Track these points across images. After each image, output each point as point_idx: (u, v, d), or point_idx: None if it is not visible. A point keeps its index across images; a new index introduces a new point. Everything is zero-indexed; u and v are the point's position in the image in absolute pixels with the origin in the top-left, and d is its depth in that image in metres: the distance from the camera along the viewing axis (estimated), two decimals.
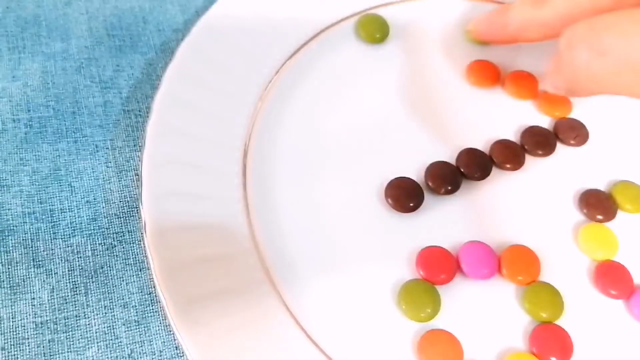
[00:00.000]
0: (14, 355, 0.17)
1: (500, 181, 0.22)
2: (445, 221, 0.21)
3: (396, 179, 0.21)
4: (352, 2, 0.24)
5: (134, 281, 0.19)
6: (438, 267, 0.20)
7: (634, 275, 0.21)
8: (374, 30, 0.24)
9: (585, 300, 0.20)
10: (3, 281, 0.18)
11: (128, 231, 0.20)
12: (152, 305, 0.19)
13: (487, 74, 0.24)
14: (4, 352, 0.17)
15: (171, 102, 0.20)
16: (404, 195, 0.21)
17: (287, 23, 0.23)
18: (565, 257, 0.21)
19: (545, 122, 0.24)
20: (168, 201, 0.18)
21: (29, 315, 0.18)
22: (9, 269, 0.19)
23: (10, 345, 0.18)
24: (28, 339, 0.18)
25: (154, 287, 0.18)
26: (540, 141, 0.23)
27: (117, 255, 0.19)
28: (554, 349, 0.19)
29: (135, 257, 0.19)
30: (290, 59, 0.22)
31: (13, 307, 0.18)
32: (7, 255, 0.19)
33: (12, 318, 0.18)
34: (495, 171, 0.22)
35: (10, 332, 0.18)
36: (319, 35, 0.23)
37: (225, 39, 0.22)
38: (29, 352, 0.18)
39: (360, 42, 0.24)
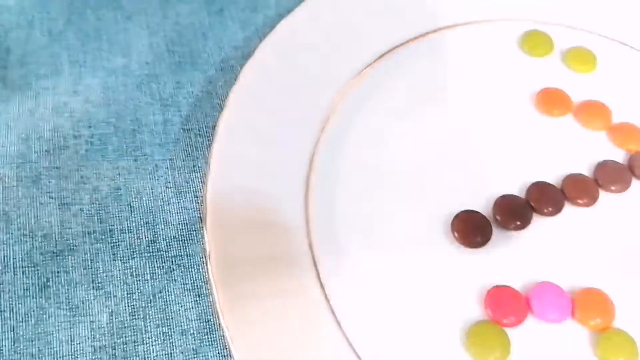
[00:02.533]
0: None
1: (572, 217, 0.21)
2: (514, 258, 0.20)
3: (463, 212, 0.20)
4: (419, 22, 0.24)
5: (193, 307, 0.19)
6: (508, 308, 0.19)
7: None
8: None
9: None
10: (62, 302, 0.18)
11: (187, 255, 0.19)
12: (210, 334, 0.18)
13: (558, 102, 0.23)
14: None
15: (235, 126, 0.19)
16: (472, 230, 0.20)
17: (353, 42, 0.22)
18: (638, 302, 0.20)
19: (618, 154, 0.22)
20: (233, 230, 0.18)
21: (88, 339, 0.18)
22: (68, 289, 0.18)
23: None
24: None
25: (215, 315, 0.17)
26: (614, 176, 0.22)
27: (175, 280, 0.19)
28: None
29: (194, 283, 0.19)
30: (355, 79, 0.22)
31: (72, 330, 0.18)
32: (67, 276, 0.18)
33: (71, 341, 0.18)
34: (567, 206, 0.21)
35: (68, 355, 0.17)
36: (385, 55, 0.22)
37: (289, 59, 0.21)
38: None
39: (428, 65, 0.23)
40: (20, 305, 0.18)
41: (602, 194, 0.21)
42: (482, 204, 0.21)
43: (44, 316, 0.18)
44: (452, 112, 0.22)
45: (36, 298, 0.18)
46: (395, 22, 0.23)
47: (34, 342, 0.17)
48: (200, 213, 0.20)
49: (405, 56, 0.23)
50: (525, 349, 0.18)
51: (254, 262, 0.17)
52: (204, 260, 0.18)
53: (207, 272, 0.17)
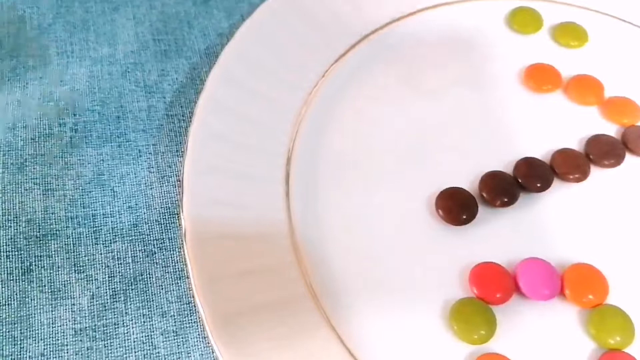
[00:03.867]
0: None
1: (562, 193, 0.20)
2: (500, 236, 0.19)
3: (448, 189, 0.20)
4: (401, 3, 0.23)
5: (173, 290, 0.19)
6: (494, 285, 0.18)
7: None
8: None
9: None
10: (45, 286, 0.18)
11: (168, 238, 0.19)
12: (190, 316, 0.18)
13: (547, 78, 0.22)
14: (43, 358, 0.17)
15: (214, 107, 0.19)
16: (457, 207, 0.19)
17: (334, 25, 0.22)
18: (636, 278, 0.19)
19: (611, 130, 0.22)
20: (209, 209, 0.18)
21: (69, 321, 0.18)
22: (50, 273, 0.18)
23: (50, 351, 0.17)
24: (67, 345, 0.17)
25: (193, 297, 0.17)
26: (607, 150, 0.21)
27: (156, 263, 0.19)
28: None
29: (175, 265, 0.19)
30: (336, 63, 0.21)
31: (53, 313, 0.18)
32: (49, 260, 0.19)
33: (52, 324, 0.18)
34: (556, 182, 0.20)
35: (50, 337, 0.17)
36: (370, 36, 0.22)
37: (269, 43, 0.21)
38: (68, 359, 0.17)
39: (413, 44, 0.23)
40: (3, 289, 0.18)
41: (594, 169, 0.21)
42: (469, 181, 0.20)
43: (27, 299, 0.18)
44: (441, 90, 0.22)
45: (19, 282, 0.18)
46: (380, 2, 0.23)
47: (16, 325, 0.18)
48: None
49: (395, 36, 0.23)
50: (512, 327, 0.18)
51: (230, 241, 0.17)
52: (181, 239, 0.18)
53: (183, 251, 0.17)
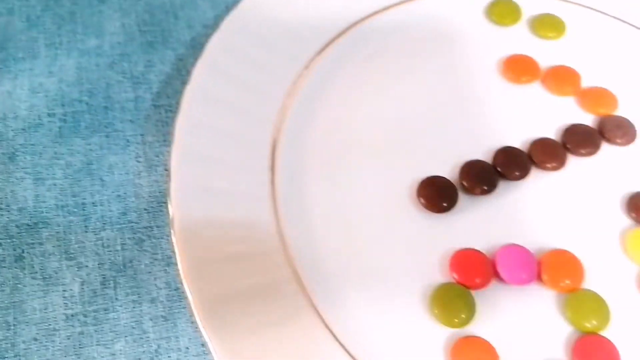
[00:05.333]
0: (45, 346, 0.18)
1: (539, 182, 0.21)
2: (480, 223, 0.20)
3: (429, 177, 0.20)
4: None
5: (162, 276, 0.19)
6: (473, 270, 0.19)
7: None
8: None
9: (634, 310, 0.19)
10: (36, 272, 0.19)
11: (157, 226, 0.20)
12: (179, 302, 0.19)
13: (525, 69, 0.23)
14: (36, 342, 0.18)
15: (200, 97, 0.19)
16: (437, 195, 0.20)
17: (320, 14, 0.22)
18: (611, 263, 0.19)
19: (588, 119, 0.22)
20: (196, 196, 0.18)
21: (60, 307, 0.18)
22: (42, 260, 0.19)
23: (42, 336, 0.18)
24: (59, 330, 0.18)
25: (181, 283, 0.18)
26: (583, 139, 0.21)
27: (145, 250, 0.19)
28: None
29: (164, 252, 0.19)
30: (321, 53, 0.22)
31: (45, 299, 0.18)
32: (40, 247, 0.19)
33: (44, 309, 0.18)
34: (534, 171, 0.21)
35: (42, 322, 0.18)
36: (352, 28, 0.23)
37: (254, 33, 0.21)
38: (60, 343, 0.18)
39: (395, 36, 0.24)
40: None
41: (571, 158, 0.21)
42: (449, 170, 0.21)
43: (19, 285, 0.18)
44: (420, 81, 0.23)
45: (12, 268, 0.19)
46: None
47: (9, 311, 0.18)
48: None
49: (378, 27, 0.23)
50: (491, 311, 0.18)
51: (217, 227, 0.18)
52: (169, 226, 0.18)
53: (171, 238, 0.18)
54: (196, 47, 0.23)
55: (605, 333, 0.18)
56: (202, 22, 0.24)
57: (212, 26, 0.24)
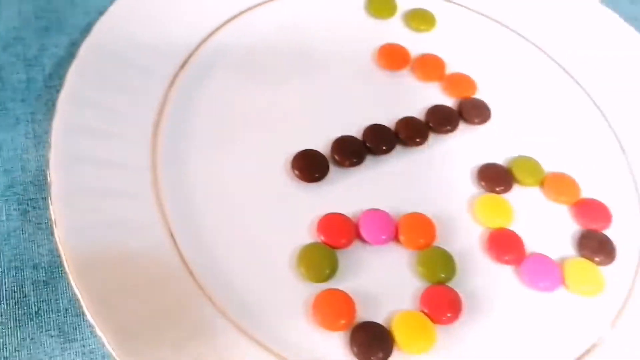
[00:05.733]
0: None
1: (404, 156, 0.23)
2: (348, 191, 0.22)
3: (303, 151, 0.22)
4: None
5: (45, 244, 0.20)
6: (338, 232, 0.21)
7: (526, 243, 0.22)
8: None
9: (478, 264, 0.21)
10: None
11: (42, 198, 0.21)
12: (60, 267, 0.20)
13: (397, 57, 0.26)
14: None
15: (84, 74, 0.21)
16: (310, 167, 0.22)
17: (198, 11, 0.24)
18: (460, 225, 0.22)
19: (450, 102, 0.25)
20: (75, 166, 0.19)
21: None
22: None
23: None
24: None
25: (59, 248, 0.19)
26: (444, 119, 0.24)
27: (30, 220, 0.20)
28: (443, 309, 0.20)
29: (47, 222, 0.20)
30: (204, 43, 0.24)
31: None
32: None
33: None
34: (399, 147, 0.24)
35: None
36: (238, 16, 0.25)
37: (141, 19, 0.23)
38: None
39: (279, 25, 0.26)
40: None
41: (433, 136, 0.24)
42: (322, 145, 0.23)
43: None
44: (301, 67, 0.25)
45: None
46: None
47: None
48: None
49: (258, 16, 0.25)
50: (353, 268, 0.21)
51: (96, 195, 0.19)
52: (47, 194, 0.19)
53: (49, 204, 0.19)
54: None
55: (451, 284, 0.21)
56: (98, 9, 0.25)
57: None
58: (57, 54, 0.24)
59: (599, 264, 0.22)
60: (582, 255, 0.22)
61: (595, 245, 0.22)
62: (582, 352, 0.20)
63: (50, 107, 0.22)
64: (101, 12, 0.25)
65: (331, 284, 0.20)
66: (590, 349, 0.20)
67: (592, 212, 0.23)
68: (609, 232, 0.23)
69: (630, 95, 0.26)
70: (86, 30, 0.24)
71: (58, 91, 0.23)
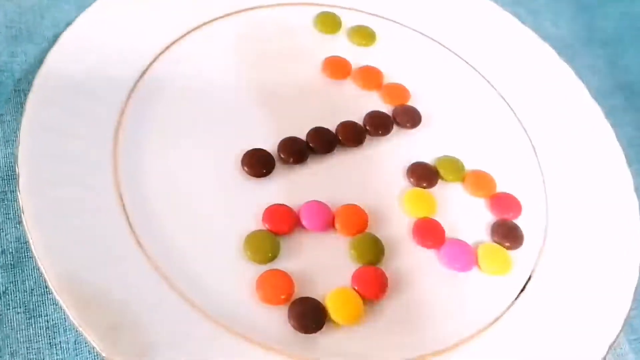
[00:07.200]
0: None
1: (343, 156, 0.26)
2: (292, 186, 0.25)
3: (252, 149, 0.25)
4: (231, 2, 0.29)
5: (12, 232, 0.22)
6: (281, 220, 0.24)
7: (447, 230, 0.25)
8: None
9: (404, 249, 0.24)
10: None
11: (10, 191, 0.23)
12: (26, 252, 0.22)
13: (340, 67, 0.29)
14: None
15: (51, 77, 0.23)
16: (258, 163, 0.25)
17: (168, 14, 0.27)
18: (390, 215, 0.25)
19: (387, 109, 0.28)
20: (42, 161, 0.21)
21: None
22: None
23: None
24: None
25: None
26: (379, 123, 0.27)
27: None
28: (371, 286, 0.23)
29: (15, 213, 0.22)
30: (162, 53, 0.26)
31: None
32: None
33: None
34: (340, 148, 0.26)
35: None
36: (199, 28, 0.28)
37: (106, 27, 0.26)
38: None
39: (243, 35, 0.28)
40: None
41: (370, 139, 0.27)
42: (270, 144, 0.25)
43: None
44: (253, 76, 0.28)
45: None
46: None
47: None
48: None
49: (216, 31, 0.28)
50: (294, 252, 0.23)
51: (59, 185, 0.21)
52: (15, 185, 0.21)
53: (17, 194, 0.21)
54: None
55: (380, 265, 0.24)
56: (66, 20, 0.27)
57: None
58: (26, 61, 0.26)
59: (509, 248, 0.25)
60: (494, 241, 0.25)
61: (506, 232, 0.25)
62: (490, 321, 0.23)
63: (18, 109, 0.25)
64: (69, 24, 0.28)
65: (273, 265, 0.23)
66: (497, 319, 0.23)
67: (505, 204, 0.26)
68: (518, 221, 0.26)
69: (542, 103, 0.30)
70: (54, 40, 0.27)
71: (26, 95, 0.25)
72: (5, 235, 0.22)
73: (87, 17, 0.25)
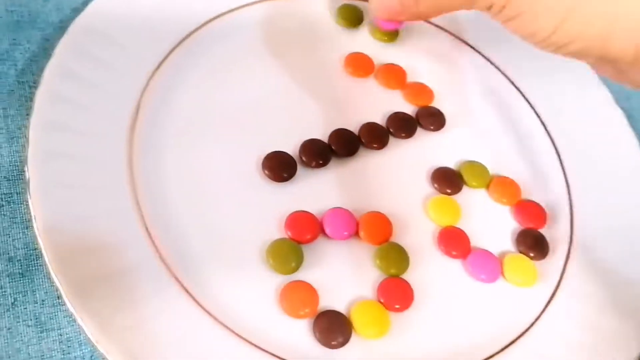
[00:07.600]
0: None
1: (365, 159, 0.25)
2: (314, 191, 0.24)
3: (273, 152, 0.24)
4: None
5: (20, 238, 0.21)
6: (304, 228, 0.23)
7: (472, 239, 0.25)
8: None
9: (429, 258, 0.24)
10: None
11: (16, 193, 0.21)
12: (36, 259, 0.20)
13: (363, 65, 0.27)
14: None
15: (61, 72, 0.21)
16: (279, 167, 0.24)
17: (181, 7, 0.25)
18: (414, 222, 0.24)
19: (409, 109, 0.27)
20: (52, 162, 0.20)
21: None
22: None
23: None
24: None
25: (37, 241, 0.20)
26: (403, 125, 0.26)
27: (4, 215, 0.21)
28: (397, 298, 0.22)
29: (22, 217, 0.21)
30: (180, 45, 0.25)
31: None
32: None
33: None
34: (362, 150, 0.25)
35: None
36: (219, 18, 0.26)
37: (118, 17, 0.24)
38: None
39: (254, 30, 0.27)
40: None
41: (393, 140, 0.26)
42: (291, 147, 0.24)
43: None
44: (272, 71, 0.26)
45: None
46: None
47: None
48: None
49: (237, 19, 0.26)
50: (317, 261, 0.22)
51: (72, 190, 0.20)
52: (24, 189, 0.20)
53: (27, 199, 0.19)
54: (64, 28, 0.24)
55: (404, 276, 0.23)
56: (71, 5, 0.26)
57: (80, 10, 0.25)
58: (29, 49, 0.24)
59: (533, 258, 0.25)
60: (519, 251, 0.25)
61: (531, 242, 0.25)
62: (518, 334, 0.23)
63: (23, 103, 0.23)
64: (73, 9, 0.26)
65: (297, 276, 0.22)
66: (524, 332, 0.23)
67: (529, 212, 0.26)
68: (543, 231, 0.26)
69: (568, 109, 0.29)
70: (59, 26, 0.25)
71: (31, 87, 0.23)
72: (13, 241, 0.20)
73: (87, 18, 0.23)
